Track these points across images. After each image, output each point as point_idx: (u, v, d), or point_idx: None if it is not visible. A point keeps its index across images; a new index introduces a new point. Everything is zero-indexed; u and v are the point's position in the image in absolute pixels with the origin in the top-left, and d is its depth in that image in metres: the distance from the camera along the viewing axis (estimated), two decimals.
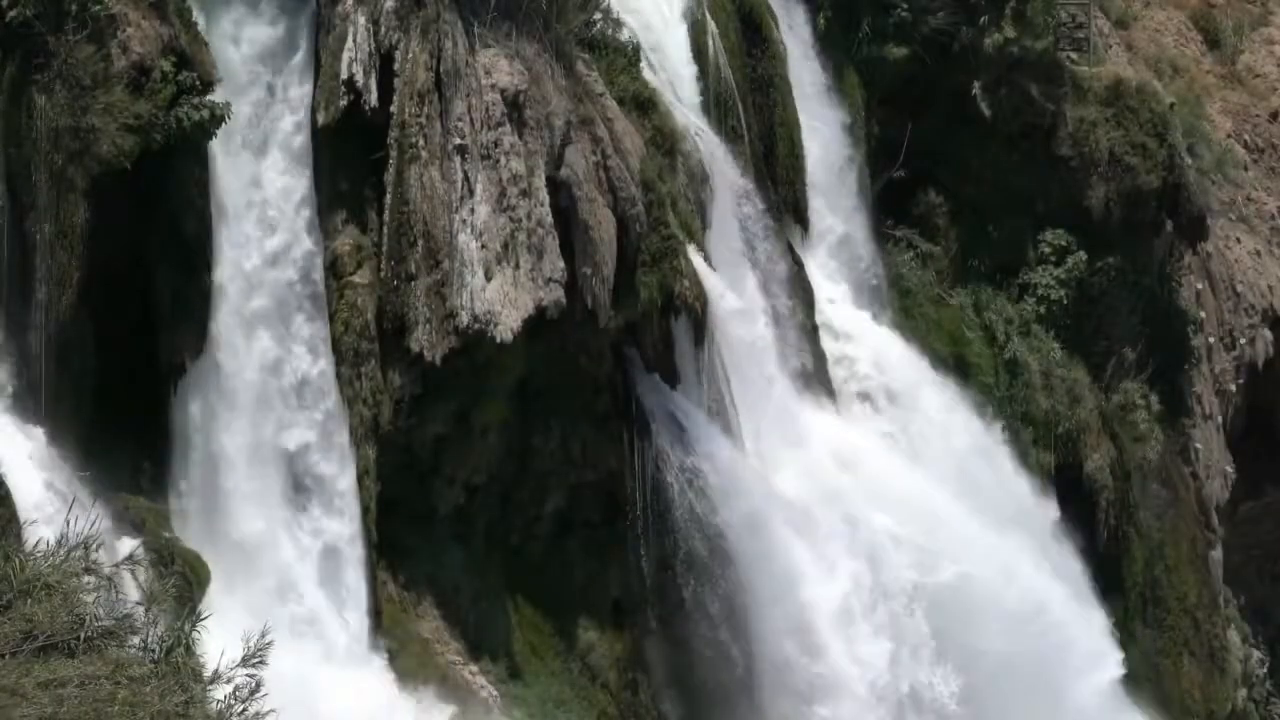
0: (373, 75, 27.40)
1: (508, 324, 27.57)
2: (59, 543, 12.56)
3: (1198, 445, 43.77)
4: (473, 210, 27.72)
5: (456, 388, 28.33)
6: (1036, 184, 40.93)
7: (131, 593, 13.81)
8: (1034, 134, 40.94)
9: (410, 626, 28.10)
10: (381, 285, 27.52)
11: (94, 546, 12.68)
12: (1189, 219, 42.65)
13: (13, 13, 23.61)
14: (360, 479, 27.35)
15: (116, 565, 12.84)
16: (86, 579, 12.50)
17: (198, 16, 25.76)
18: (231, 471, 26.24)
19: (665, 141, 32.09)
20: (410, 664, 27.59)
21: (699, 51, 34.08)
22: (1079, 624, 36.50)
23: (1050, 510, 38.19)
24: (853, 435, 35.15)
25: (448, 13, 27.95)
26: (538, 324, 28.18)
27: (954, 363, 38.76)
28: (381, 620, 27.53)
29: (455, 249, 27.42)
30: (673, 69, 33.70)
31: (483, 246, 27.62)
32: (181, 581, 23.73)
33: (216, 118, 24.87)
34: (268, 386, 26.74)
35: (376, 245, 27.67)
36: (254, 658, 11.61)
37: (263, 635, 11.72)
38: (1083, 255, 40.69)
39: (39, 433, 23.82)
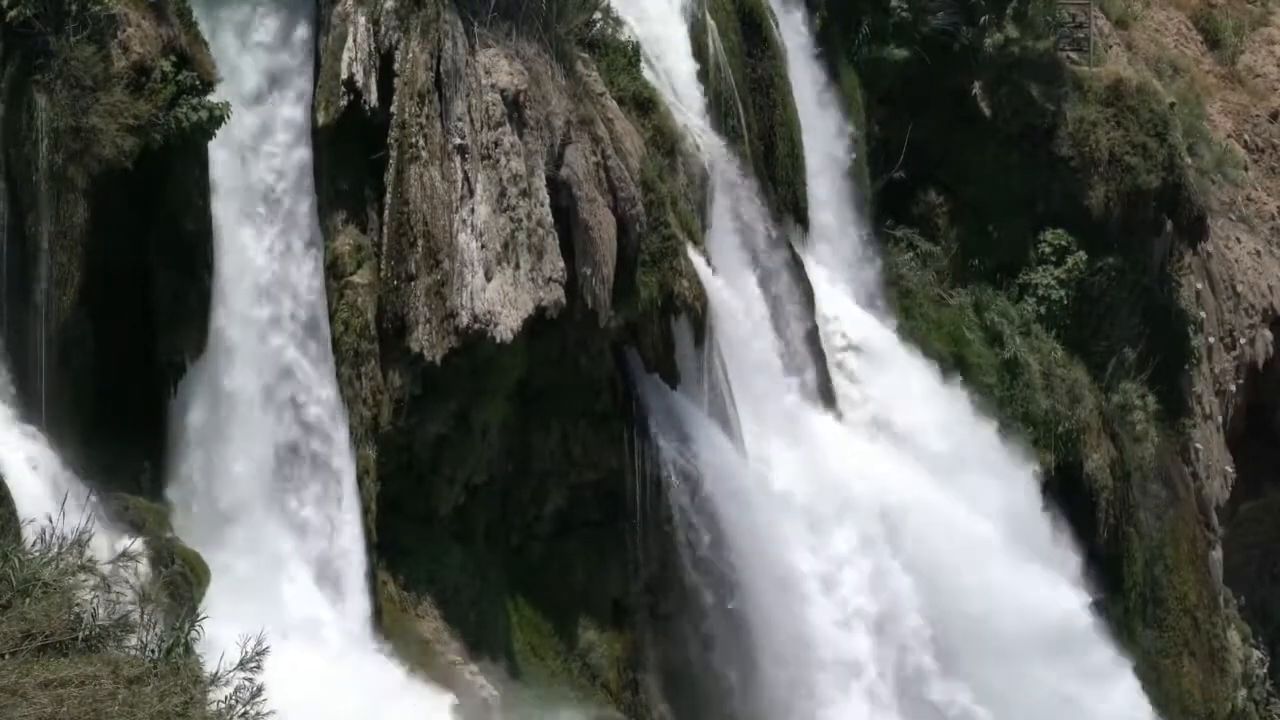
0: (373, 75, 27.41)
1: (508, 324, 27.58)
2: (53, 541, 12.55)
3: (1198, 445, 43.78)
4: (473, 210, 27.72)
5: (456, 388, 28.33)
6: (1036, 184, 40.97)
7: (130, 592, 13.80)
8: (1034, 134, 40.98)
9: (410, 626, 28.10)
10: (381, 285, 27.52)
11: (87, 543, 12.67)
12: (1189, 219, 42.68)
13: (13, 13, 23.58)
14: (360, 479, 27.35)
15: (111, 562, 12.83)
16: (82, 577, 12.49)
17: (197, 16, 25.74)
18: (232, 470, 26.24)
19: (665, 141, 32.09)
20: (410, 664, 27.57)
21: (699, 51, 34.08)
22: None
23: (1041, 506, 38.27)
24: (852, 434, 35.16)
25: (448, 13, 27.96)
26: (538, 324, 28.19)
27: (954, 363, 38.78)
28: (382, 620, 27.52)
29: (455, 249, 27.42)
30: (673, 69, 33.70)
31: (483, 246, 27.62)
32: (181, 581, 23.73)
33: (216, 118, 24.86)
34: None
35: (376, 245, 27.67)
36: (251, 661, 11.61)
37: (259, 640, 11.72)
38: (1083, 255, 40.72)
39: (39, 432, 23.81)
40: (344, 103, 27.25)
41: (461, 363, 27.79)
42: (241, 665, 11.67)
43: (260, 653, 11.73)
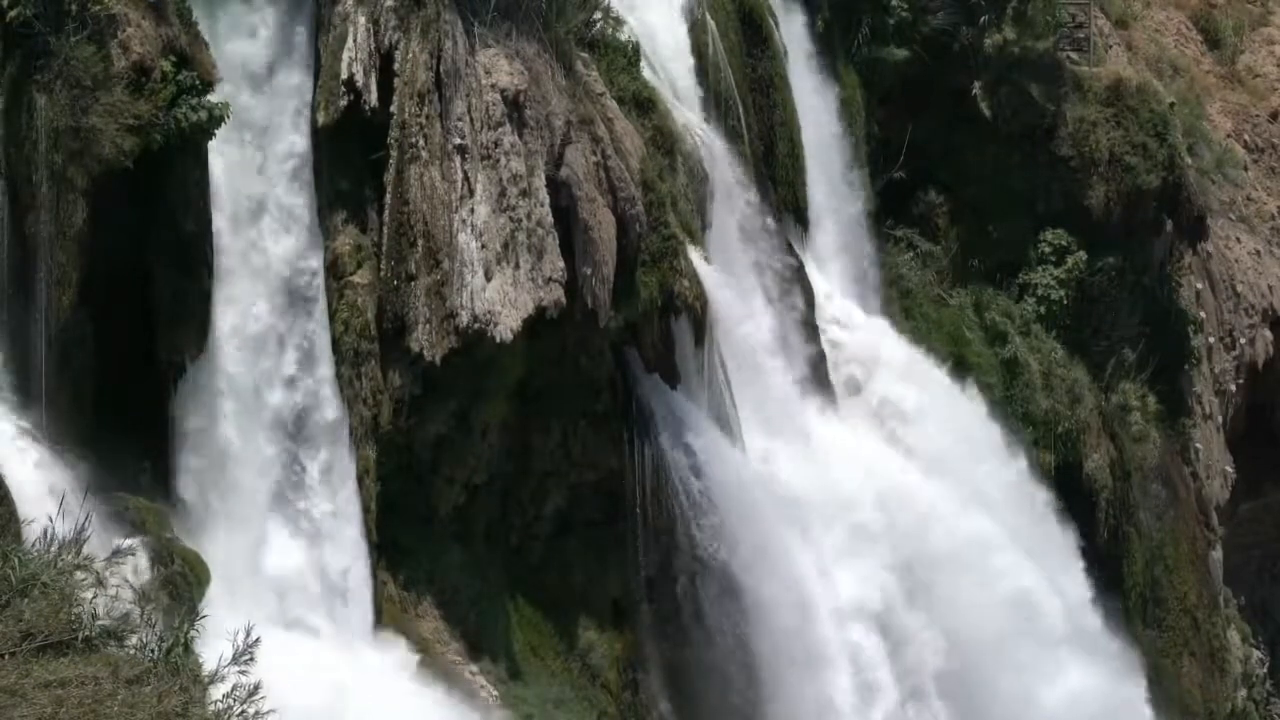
0: (373, 75, 27.41)
1: (508, 324, 27.58)
2: (50, 540, 12.55)
3: (1198, 445, 43.79)
4: (473, 210, 27.73)
5: (456, 388, 28.33)
6: (1036, 184, 40.99)
7: (130, 592, 13.80)
8: (1034, 134, 41.00)
9: (410, 626, 28.10)
10: (381, 285, 27.52)
11: (85, 541, 12.67)
12: (1189, 219, 42.70)
13: (13, 13, 23.59)
14: (360, 479, 27.35)
15: (107, 559, 12.84)
16: (80, 575, 12.50)
17: (197, 16, 25.74)
18: (231, 471, 26.24)
19: (665, 141, 32.10)
20: (410, 664, 27.58)
21: (699, 51, 34.09)
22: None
23: (1048, 502, 38.31)
24: (852, 433, 35.17)
25: (448, 12, 27.96)
26: (538, 324, 28.19)
27: (954, 363, 38.79)
28: (382, 620, 27.53)
29: (455, 249, 27.43)
30: (673, 69, 33.71)
31: (483, 246, 27.63)
32: (181, 581, 23.74)
33: (215, 118, 24.87)
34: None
35: (376, 245, 27.68)
36: (244, 655, 11.62)
37: (248, 634, 11.72)
38: (1083, 255, 40.75)
39: (39, 432, 23.83)
40: (344, 103, 27.24)
41: (461, 363, 27.79)
42: (235, 660, 11.67)
43: (252, 645, 11.73)
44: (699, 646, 31.13)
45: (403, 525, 28.23)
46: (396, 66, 27.58)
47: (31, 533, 17.27)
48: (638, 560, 30.65)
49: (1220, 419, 44.98)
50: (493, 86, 28.14)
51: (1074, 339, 40.94)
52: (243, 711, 11.62)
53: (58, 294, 24.00)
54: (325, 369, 27.07)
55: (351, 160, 27.78)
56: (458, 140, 27.74)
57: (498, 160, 28.00)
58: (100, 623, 12.41)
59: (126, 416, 25.04)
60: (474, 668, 28.44)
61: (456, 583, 28.91)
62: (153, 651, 12.41)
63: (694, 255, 31.43)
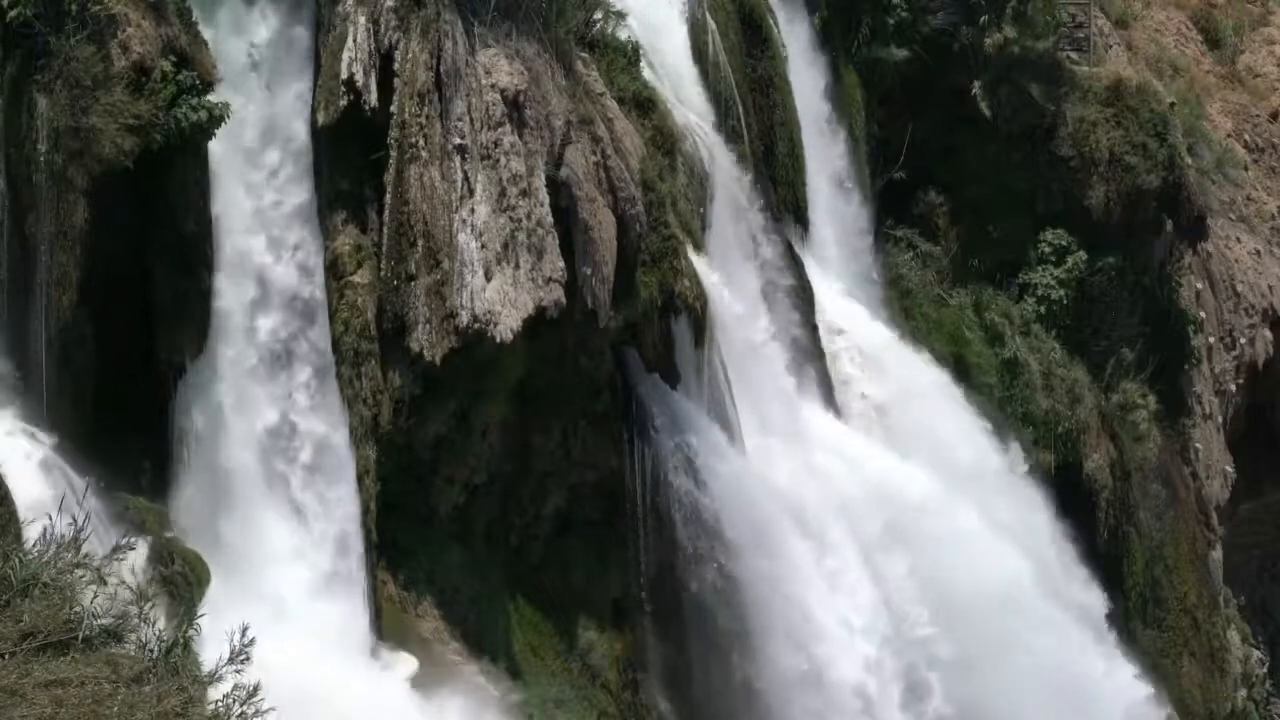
0: (373, 75, 27.40)
1: (508, 324, 27.58)
2: (50, 540, 12.55)
3: (1198, 445, 43.81)
4: (473, 210, 27.72)
5: (456, 388, 28.34)
6: (1036, 184, 41.03)
7: (129, 591, 13.80)
8: (1034, 134, 41.04)
9: (410, 626, 28.11)
10: (381, 285, 27.52)
11: (85, 540, 12.66)
12: (1189, 219, 42.74)
13: (13, 13, 23.60)
14: (360, 479, 27.34)
15: (106, 557, 12.84)
16: (80, 573, 12.49)
17: (196, 16, 25.74)
18: (231, 470, 26.25)
19: (665, 141, 32.10)
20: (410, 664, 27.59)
21: (699, 51, 34.11)
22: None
23: (1046, 504, 38.34)
24: (852, 433, 35.18)
25: (448, 12, 27.96)
26: (538, 324, 28.18)
27: (954, 363, 38.80)
28: (381, 620, 27.53)
29: (455, 249, 27.42)
30: (673, 69, 33.72)
31: (483, 246, 27.62)
32: (180, 580, 23.75)
33: (215, 118, 24.87)
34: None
35: (376, 245, 27.68)
36: (240, 654, 11.61)
37: (244, 633, 11.72)
38: (1083, 255, 40.79)
39: (39, 432, 23.84)
40: (344, 103, 27.24)
41: (461, 363, 27.79)
42: (231, 659, 11.67)
43: (248, 644, 11.73)
44: (699, 646, 31.13)
45: (403, 525, 28.24)
46: (396, 66, 27.58)
47: (32, 533, 17.26)
48: (638, 560, 30.66)
49: (1220, 419, 45.01)
50: (493, 86, 28.14)
51: (1074, 339, 40.98)
52: (242, 712, 11.62)
53: (58, 294, 24.00)
54: None
55: (351, 160, 27.78)
56: (458, 140, 27.74)
57: (498, 160, 28.00)
58: (100, 622, 12.40)
59: (126, 416, 25.05)
60: (474, 668, 28.45)
61: (456, 583, 28.92)
62: (152, 651, 12.41)
63: (694, 255, 31.44)
